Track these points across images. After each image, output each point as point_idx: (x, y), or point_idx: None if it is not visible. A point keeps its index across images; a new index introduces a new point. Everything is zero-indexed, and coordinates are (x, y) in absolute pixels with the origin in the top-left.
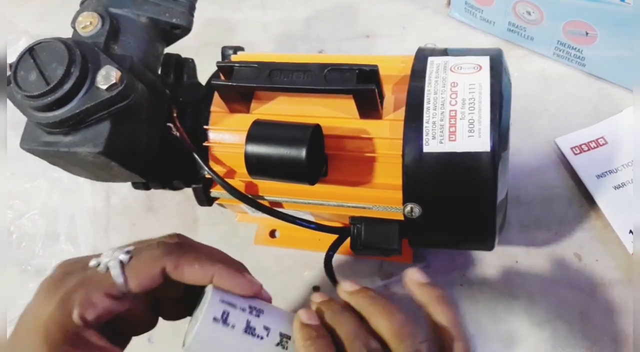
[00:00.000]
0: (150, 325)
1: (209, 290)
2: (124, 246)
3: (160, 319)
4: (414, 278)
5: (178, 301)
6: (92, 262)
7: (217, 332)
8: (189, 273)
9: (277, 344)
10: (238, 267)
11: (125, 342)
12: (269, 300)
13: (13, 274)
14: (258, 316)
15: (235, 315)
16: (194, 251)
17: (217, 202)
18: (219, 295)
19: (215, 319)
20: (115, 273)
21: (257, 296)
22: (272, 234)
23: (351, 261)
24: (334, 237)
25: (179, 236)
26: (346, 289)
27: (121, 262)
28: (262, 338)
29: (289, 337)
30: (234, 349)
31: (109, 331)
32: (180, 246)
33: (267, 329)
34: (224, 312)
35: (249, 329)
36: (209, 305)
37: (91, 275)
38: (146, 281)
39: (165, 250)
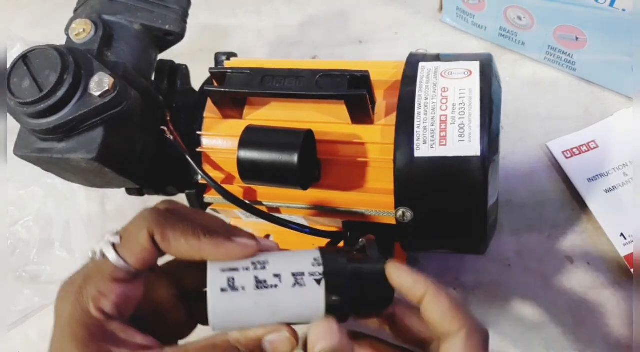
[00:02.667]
0: (188, 330)
1: (208, 264)
2: (113, 229)
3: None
4: (399, 270)
5: None
6: (89, 254)
7: (230, 300)
8: (176, 247)
9: (294, 285)
10: (227, 234)
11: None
12: (274, 248)
13: (8, 280)
14: (264, 267)
15: (241, 277)
16: (182, 221)
17: (210, 207)
18: (218, 265)
19: (223, 289)
20: (111, 256)
21: (257, 252)
22: (267, 238)
23: None
24: (328, 241)
25: (169, 202)
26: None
27: (113, 244)
28: (276, 286)
29: (302, 274)
30: (254, 307)
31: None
32: (169, 212)
33: (277, 276)
34: (229, 279)
35: (260, 284)
36: (211, 278)
37: (92, 266)
38: (140, 253)
39: (150, 217)
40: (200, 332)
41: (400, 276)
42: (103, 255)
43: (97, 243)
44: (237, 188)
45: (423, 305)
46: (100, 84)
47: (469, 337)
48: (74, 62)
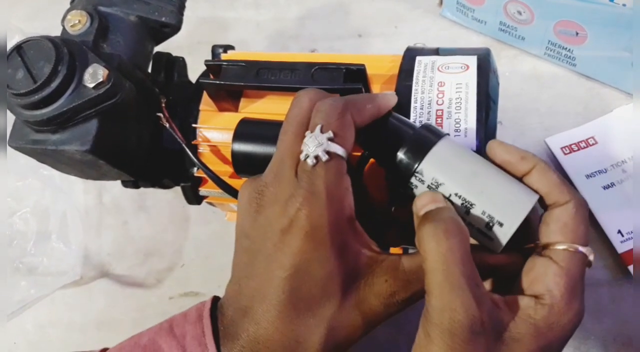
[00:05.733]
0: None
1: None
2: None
3: None
4: (504, 146)
5: None
6: (305, 158)
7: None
8: (369, 114)
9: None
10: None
11: None
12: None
13: (5, 271)
14: None
15: None
16: (352, 99)
17: (205, 200)
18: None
19: None
20: (341, 151)
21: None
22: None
23: None
24: None
25: (327, 94)
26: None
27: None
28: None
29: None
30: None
31: None
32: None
33: None
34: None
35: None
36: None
37: (324, 171)
38: (352, 137)
39: (345, 104)
40: None
41: (508, 151)
42: (328, 153)
43: (313, 148)
44: (232, 182)
45: (531, 177)
46: (95, 75)
47: (577, 208)
48: (68, 53)
